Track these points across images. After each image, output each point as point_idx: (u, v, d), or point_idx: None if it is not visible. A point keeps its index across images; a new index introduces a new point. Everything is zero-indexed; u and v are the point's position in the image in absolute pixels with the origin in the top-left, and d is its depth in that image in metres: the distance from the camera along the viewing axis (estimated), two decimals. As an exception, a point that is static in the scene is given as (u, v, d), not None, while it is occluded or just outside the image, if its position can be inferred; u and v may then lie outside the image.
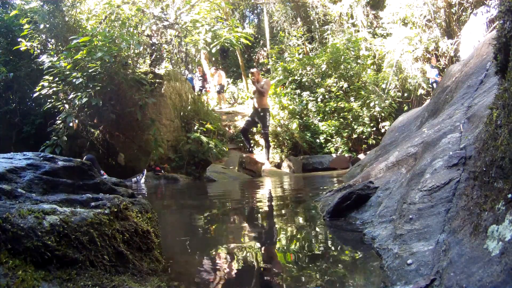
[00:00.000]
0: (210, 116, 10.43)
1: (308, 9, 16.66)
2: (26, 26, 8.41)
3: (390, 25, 13.09)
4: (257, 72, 8.39)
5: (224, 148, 9.58)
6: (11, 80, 9.39)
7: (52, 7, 8.93)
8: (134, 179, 7.22)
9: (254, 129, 10.26)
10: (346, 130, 11.47)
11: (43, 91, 7.63)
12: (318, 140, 11.19)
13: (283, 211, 3.24)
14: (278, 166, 9.74)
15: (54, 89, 7.69)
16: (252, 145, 9.59)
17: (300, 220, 2.75)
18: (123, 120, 8.12)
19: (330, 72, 12.91)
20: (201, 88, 14.08)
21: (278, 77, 13.28)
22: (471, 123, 1.98)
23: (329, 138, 11.28)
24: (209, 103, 13.24)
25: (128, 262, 1.29)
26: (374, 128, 11.72)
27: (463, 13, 12.09)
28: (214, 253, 1.98)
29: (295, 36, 16.25)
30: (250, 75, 8.54)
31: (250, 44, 9.42)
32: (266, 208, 3.52)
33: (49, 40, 9.18)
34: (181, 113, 9.56)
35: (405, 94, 12.81)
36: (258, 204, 3.90)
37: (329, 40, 15.28)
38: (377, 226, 1.92)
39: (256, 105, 8.14)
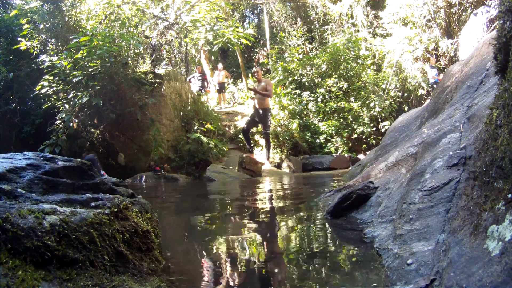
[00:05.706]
0: (210, 116, 10.43)
1: (308, 9, 16.65)
2: (26, 26, 8.40)
3: (390, 25, 13.09)
4: (258, 71, 8.38)
5: (224, 148, 9.57)
6: (11, 80, 9.37)
7: (52, 7, 8.91)
8: (131, 181, 7.21)
9: (254, 129, 10.26)
10: (346, 130, 11.46)
11: (43, 90, 7.63)
12: (318, 140, 11.18)
13: (283, 211, 3.23)
14: (278, 166, 9.73)
15: (54, 88, 7.69)
16: (252, 145, 9.58)
17: (300, 220, 2.74)
18: (123, 120, 8.11)
19: (330, 72, 12.90)
20: (201, 88, 14.07)
21: (278, 77, 13.26)
22: (471, 123, 1.97)
23: (329, 138, 11.27)
24: (209, 103, 13.23)
25: (128, 262, 1.29)
26: (374, 128, 11.71)
27: (463, 13, 12.09)
28: (214, 253, 1.98)
29: (295, 36, 16.23)
30: (251, 75, 8.53)
31: (250, 44, 9.42)
32: (266, 208, 3.51)
33: (49, 40, 9.16)
34: (181, 113, 9.56)
35: (405, 94, 12.80)
36: (258, 204, 3.90)
37: (329, 40, 15.27)
38: (377, 226, 1.92)
39: (257, 106, 8.13)
